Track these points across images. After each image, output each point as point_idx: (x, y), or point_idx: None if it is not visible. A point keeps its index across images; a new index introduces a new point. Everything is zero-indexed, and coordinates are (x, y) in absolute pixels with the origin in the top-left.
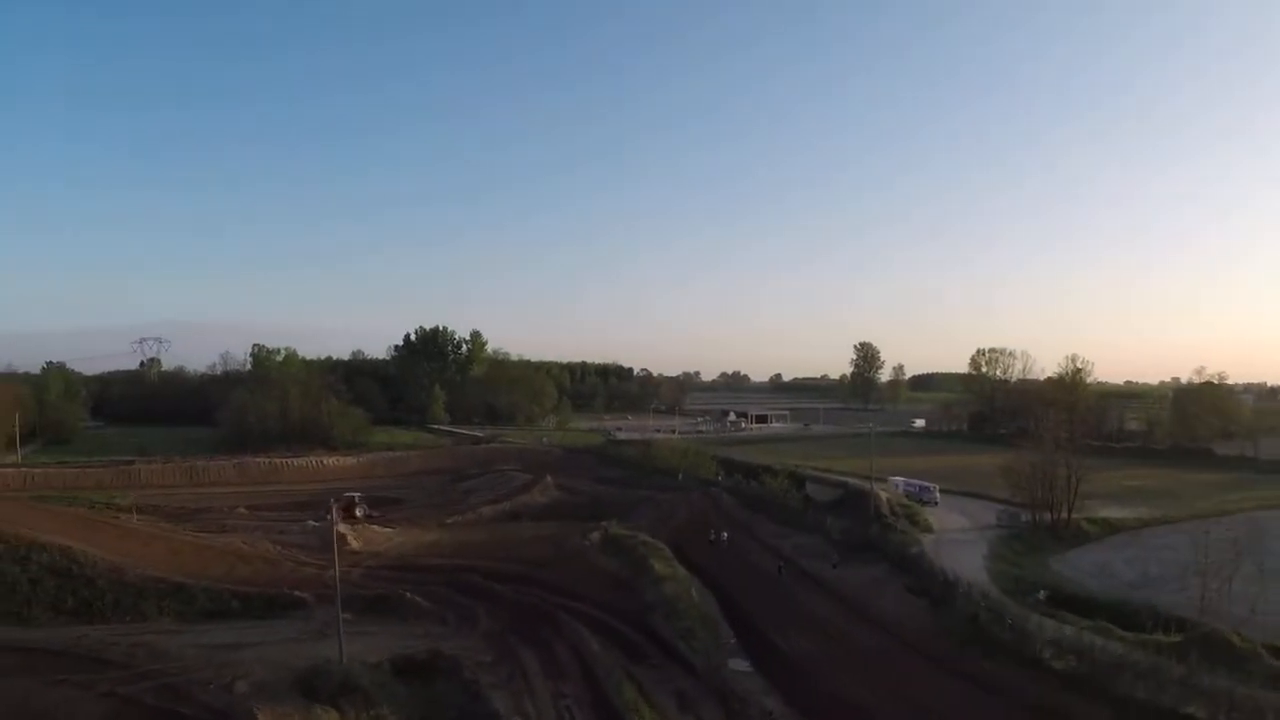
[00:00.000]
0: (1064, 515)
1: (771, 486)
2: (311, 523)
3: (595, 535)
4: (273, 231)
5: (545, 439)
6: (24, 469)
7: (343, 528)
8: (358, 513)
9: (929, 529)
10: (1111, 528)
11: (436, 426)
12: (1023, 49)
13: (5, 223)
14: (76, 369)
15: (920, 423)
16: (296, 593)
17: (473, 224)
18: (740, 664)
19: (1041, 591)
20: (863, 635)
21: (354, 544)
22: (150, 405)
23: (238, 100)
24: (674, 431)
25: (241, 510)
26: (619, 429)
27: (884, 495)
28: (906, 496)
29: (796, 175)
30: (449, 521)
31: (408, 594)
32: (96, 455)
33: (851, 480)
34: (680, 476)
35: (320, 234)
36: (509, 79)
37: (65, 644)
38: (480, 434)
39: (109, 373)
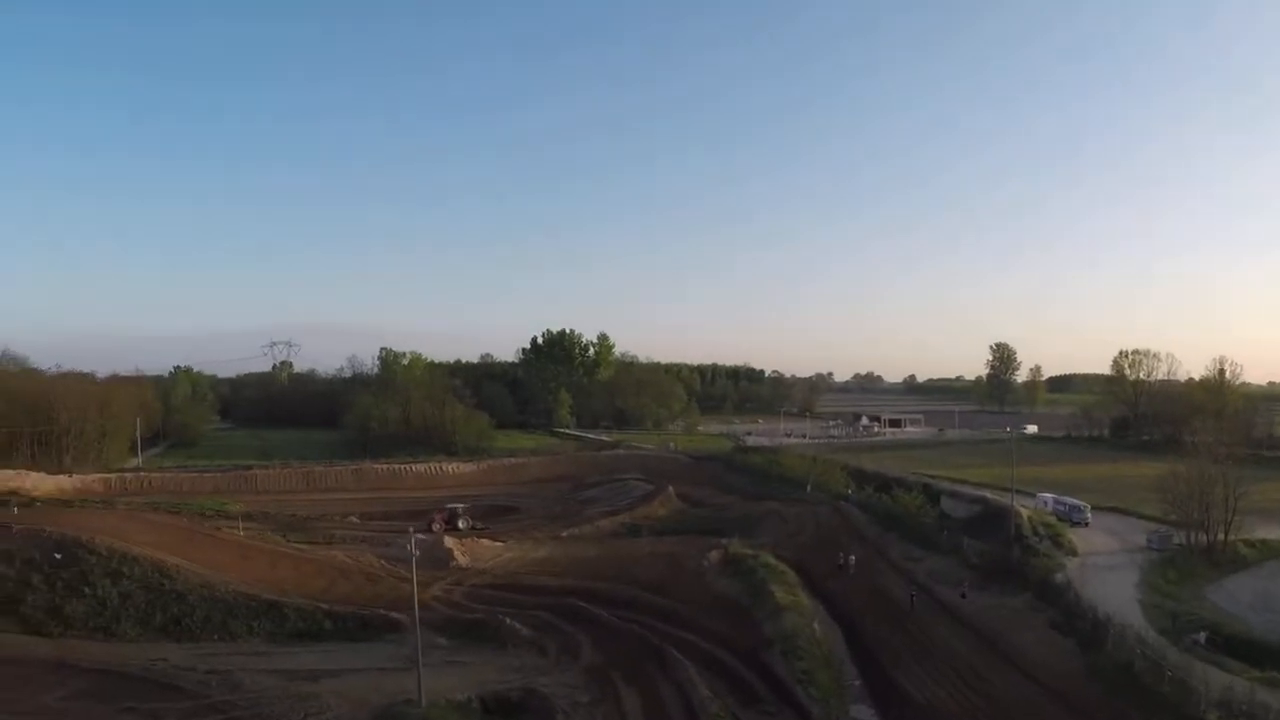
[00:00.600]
0: (1221, 536)
1: (905, 502)
2: (419, 535)
3: (714, 555)
4: (405, 235)
5: (672, 444)
6: (143, 473)
7: (449, 542)
8: (460, 524)
9: (1074, 552)
10: (1271, 551)
11: (562, 431)
12: (1188, 47)
13: (144, 227)
14: (212, 372)
15: (1032, 429)
16: (393, 614)
17: (601, 226)
18: (864, 712)
19: (1202, 633)
20: (1002, 681)
21: (460, 559)
22: (279, 408)
23: (387, 112)
24: (805, 436)
25: (353, 519)
26: (749, 433)
27: (1025, 512)
28: (1056, 516)
29: (929, 166)
30: (564, 535)
31: (507, 620)
32: (218, 459)
33: (990, 495)
34: (808, 488)
35: (451, 238)
36: (648, 85)
37: (142, 666)
38: (606, 439)
39: (242, 375)
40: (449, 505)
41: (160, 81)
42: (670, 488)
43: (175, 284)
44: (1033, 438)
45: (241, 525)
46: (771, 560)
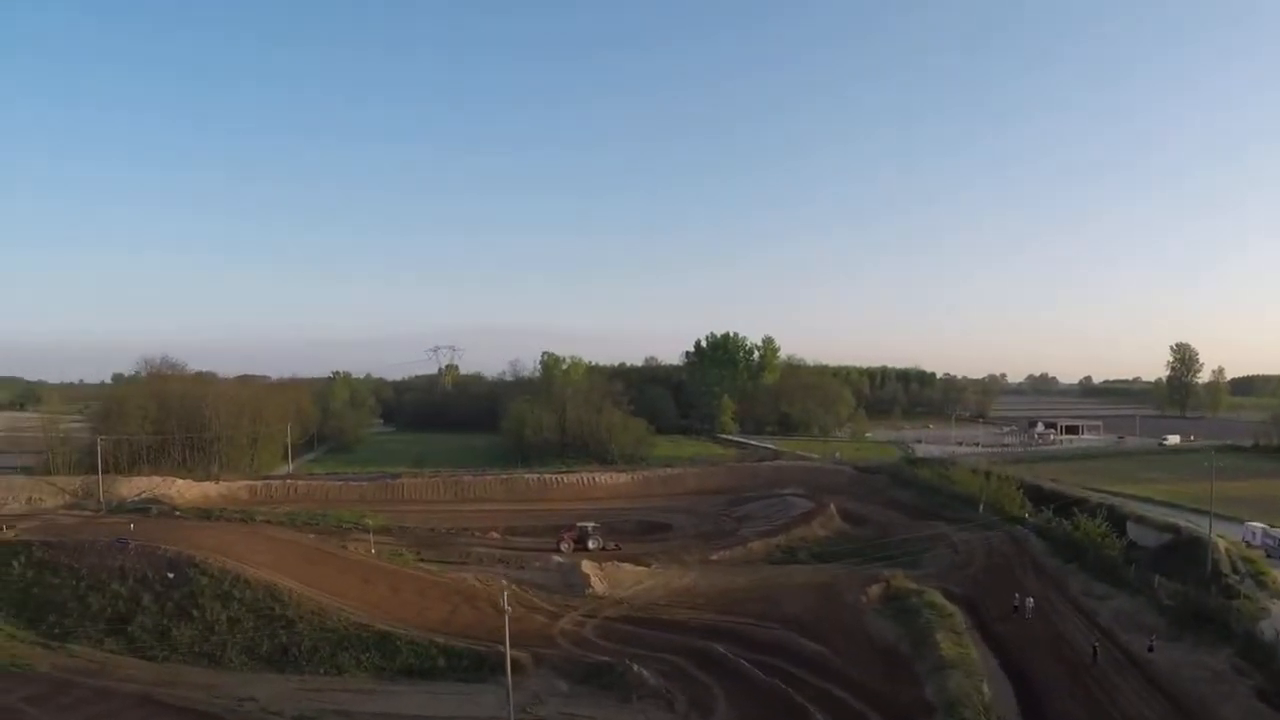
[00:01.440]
0: None
1: (1087, 529)
2: (557, 558)
3: (874, 589)
4: (570, 235)
5: (837, 454)
6: (290, 480)
7: (588, 566)
8: (591, 544)
9: None
10: None
11: (725, 437)
12: None
13: (313, 233)
14: (381, 375)
15: (1173, 439)
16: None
17: (768, 222)
18: None
19: None
20: None
21: (597, 587)
22: (441, 412)
23: (559, 104)
24: (977, 444)
25: (494, 534)
26: (918, 441)
27: (1222, 544)
28: (1265, 552)
29: (1107, 159)
30: (714, 558)
31: (634, 667)
32: (372, 465)
33: (1184, 522)
34: (981, 508)
35: (616, 239)
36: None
37: (228, 706)
38: (770, 446)
39: (408, 378)
40: (579, 523)
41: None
42: (831, 506)
43: (350, 287)
44: (1221, 448)
45: (374, 541)
46: (938, 599)
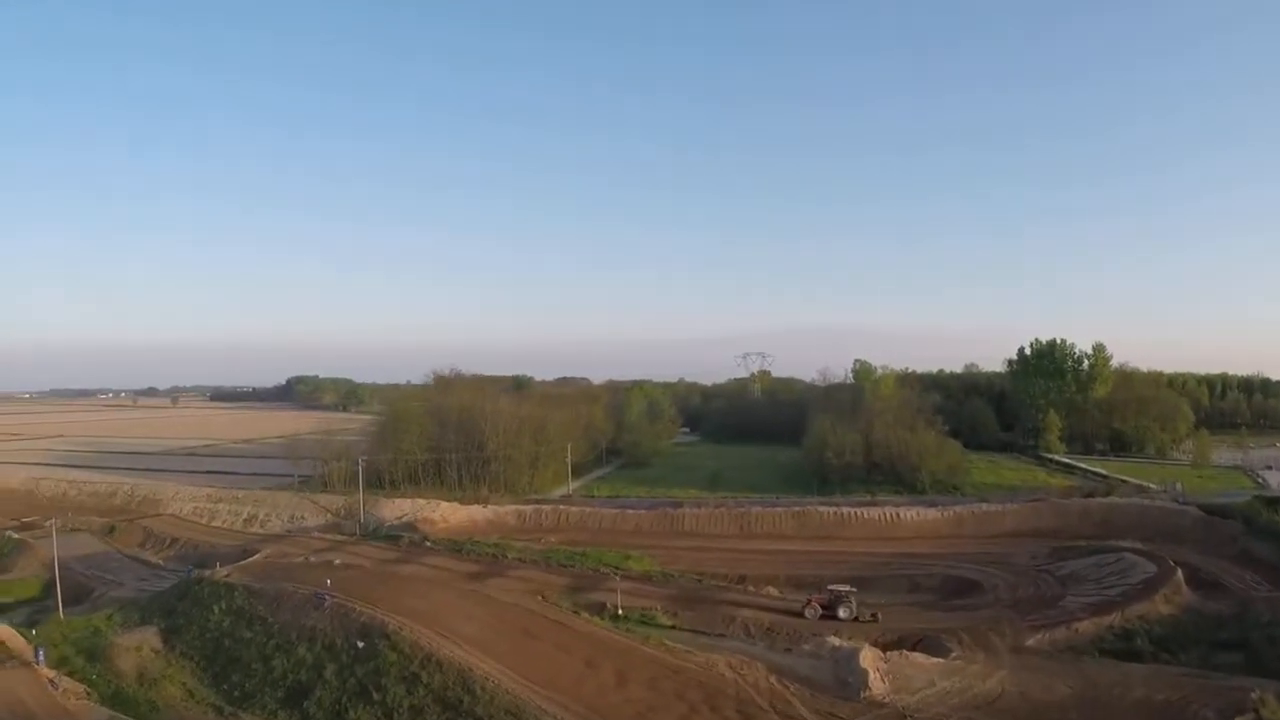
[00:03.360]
0: None
1: None
2: (833, 640)
3: None
4: (885, 232)
5: (1178, 484)
6: (561, 507)
7: (867, 658)
8: (842, 613)
9: None
10: None
11: (1049, 457)
12: None
13: (649, 235)
14: (695, 379)
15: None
16: None
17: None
18: None
19: None
20: None
21: (876, 688)
22: (747, 421)
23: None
24: None
25: (771, 591)
26: (1268, 466)
27: None
28: None
29: None
30: (1030, 643)
31: None
32: (660, 487)
33: None
34: None
35: (943, 236)
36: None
37: None
38: (1100, 470)
39: (718, 384)
40: (833, 586)
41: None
42: (1179, 574)
43: (670, 289)
44: None
45: (620, 596)
46: None
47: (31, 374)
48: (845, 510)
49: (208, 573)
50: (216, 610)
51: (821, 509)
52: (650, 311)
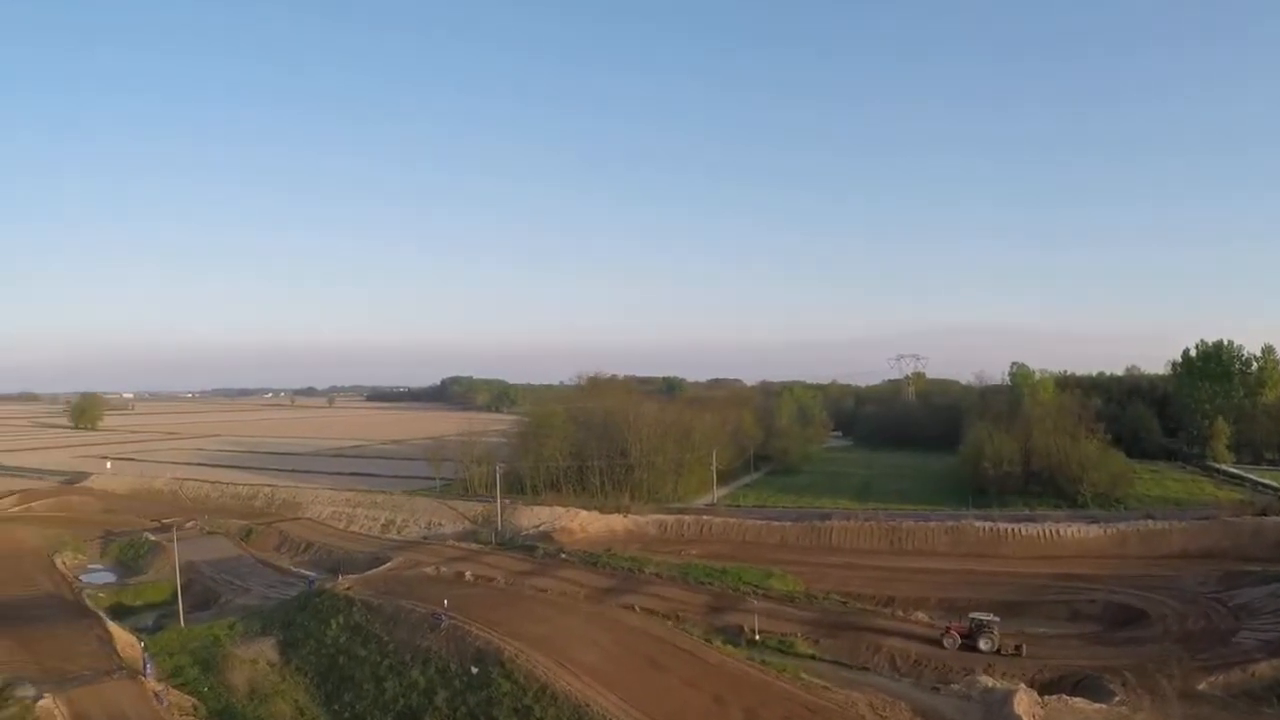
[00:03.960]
0: None
1: None
2: (985, 681)
3: None
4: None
5: None
6: (705, 518)
7: (1022, 703)
8: (982, 644)
9: None
10: None
11: (1217, 467)
12: None
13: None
14: (849, 381)
15: None
16: None
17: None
18: None
19: None
20: None
21: None
22: (901, 426)
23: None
24: None
25: (921, 617)
26: None
27: None
28: None
29: None
30: (1201, 687)
31: None
32: (808, 496)
33: None
34: None
35: (1099, 236)
36: None
37: None
38: (1271, 483)
39: (870, 387)
40: (974, 615)
41: None
42: None
43: (825, 290)
44: None
45: (757, 624)
46: None
47: (196, 374)
48: (1002, 526)
49: (329, 584)
50: (334, 625)
51: (978, 524)
52: (806, 312)
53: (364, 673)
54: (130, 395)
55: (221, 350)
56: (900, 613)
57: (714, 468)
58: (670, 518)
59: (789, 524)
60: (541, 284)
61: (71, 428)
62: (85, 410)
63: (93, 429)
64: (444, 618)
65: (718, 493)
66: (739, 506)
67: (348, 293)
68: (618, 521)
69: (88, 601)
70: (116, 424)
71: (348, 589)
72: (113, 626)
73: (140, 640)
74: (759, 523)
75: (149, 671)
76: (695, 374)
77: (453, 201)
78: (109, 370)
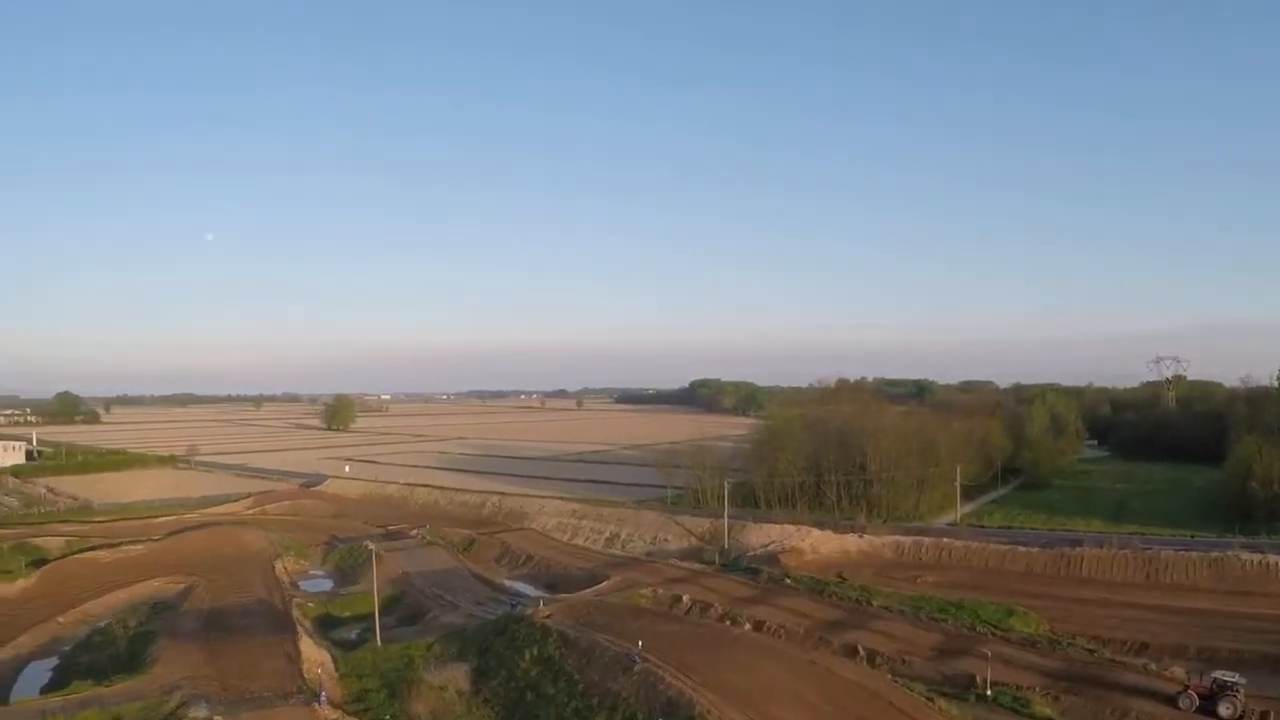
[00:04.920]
0: None
1: None
2: None
3: None
4: None
5: None
6: (945, 540)
7: None
8: (1222, 710)
9: None
10: None
11: None
12: None
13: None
14: (1106, 385)
15: None
16: None
17: None
18: None
19: None
20: None
21: None
22: (1161, 435)
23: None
24: None
25: (1176, 672)
26: None
27: None
28: None
29: None
30: None
31: None
32: (1059, 515)
33: None
34: None
35: None
36: None
37: None
38: None
39: (1126, 390)
40: (1218, 674)
41: None
42: None
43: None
44: None
45: (990, 674)
46: None
47: (455, 375)
48: (1272, 559)
49: (529, 609)
50: (528, 656)
51: (1244, 556)
52: (1060, 311)
53: (549, 713)
54: (387, 397)
55: (478, 351)
56: (1153, 665)
57: (958, 483)
58: (908, 539)
59: (1036, 550)
60: (789, 284)
61: (324, 429)
62: (338, 412)
63: (344, 430)
64: (638, 659)
65: (961, 510)
66: (982, 527)
67: (600, 292)
68: (852, 542)
69: (295, 611)
70: (367, 425)
71: (547, 616)
72: (304, 643)
73: (333, 658)
74: (1003, 547)
75: (323, 700)
76: (946, 375)
77: (696, 205)
78: (367, 374)
